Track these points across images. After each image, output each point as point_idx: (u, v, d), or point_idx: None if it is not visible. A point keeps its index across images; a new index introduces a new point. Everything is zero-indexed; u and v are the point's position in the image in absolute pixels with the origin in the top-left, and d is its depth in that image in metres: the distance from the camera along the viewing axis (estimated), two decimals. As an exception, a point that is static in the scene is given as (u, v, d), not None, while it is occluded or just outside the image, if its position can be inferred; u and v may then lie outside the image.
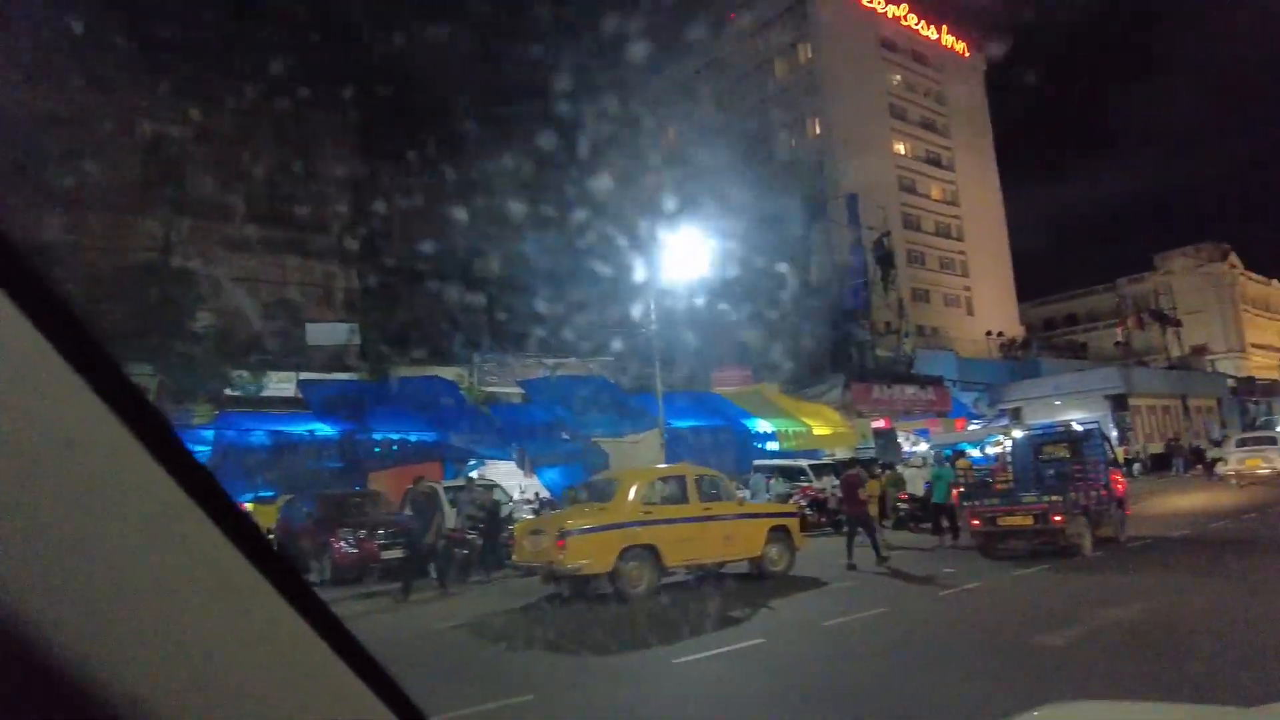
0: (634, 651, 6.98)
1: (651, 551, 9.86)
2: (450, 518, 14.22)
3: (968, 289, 57.78)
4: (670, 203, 37.99)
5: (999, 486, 13.77)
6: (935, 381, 34.46)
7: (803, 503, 18.29)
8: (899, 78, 57.61)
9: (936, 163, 58.41)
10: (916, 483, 21.01)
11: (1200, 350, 67.79)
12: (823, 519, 17.99)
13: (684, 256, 25.54)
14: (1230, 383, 48.64)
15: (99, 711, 0.65)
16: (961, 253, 58.07)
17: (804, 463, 22.86)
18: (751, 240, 39.64)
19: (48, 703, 0.64)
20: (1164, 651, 6.02)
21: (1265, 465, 24.30)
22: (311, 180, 29.84)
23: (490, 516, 13.42)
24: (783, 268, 37.85)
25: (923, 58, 59.20)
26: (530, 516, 15.32)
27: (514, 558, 10.92)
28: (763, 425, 28.42)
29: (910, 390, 33.20)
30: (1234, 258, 70.61)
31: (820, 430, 29.77)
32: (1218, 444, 28.81)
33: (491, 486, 18.36)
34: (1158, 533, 14.10)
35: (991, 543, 12.57)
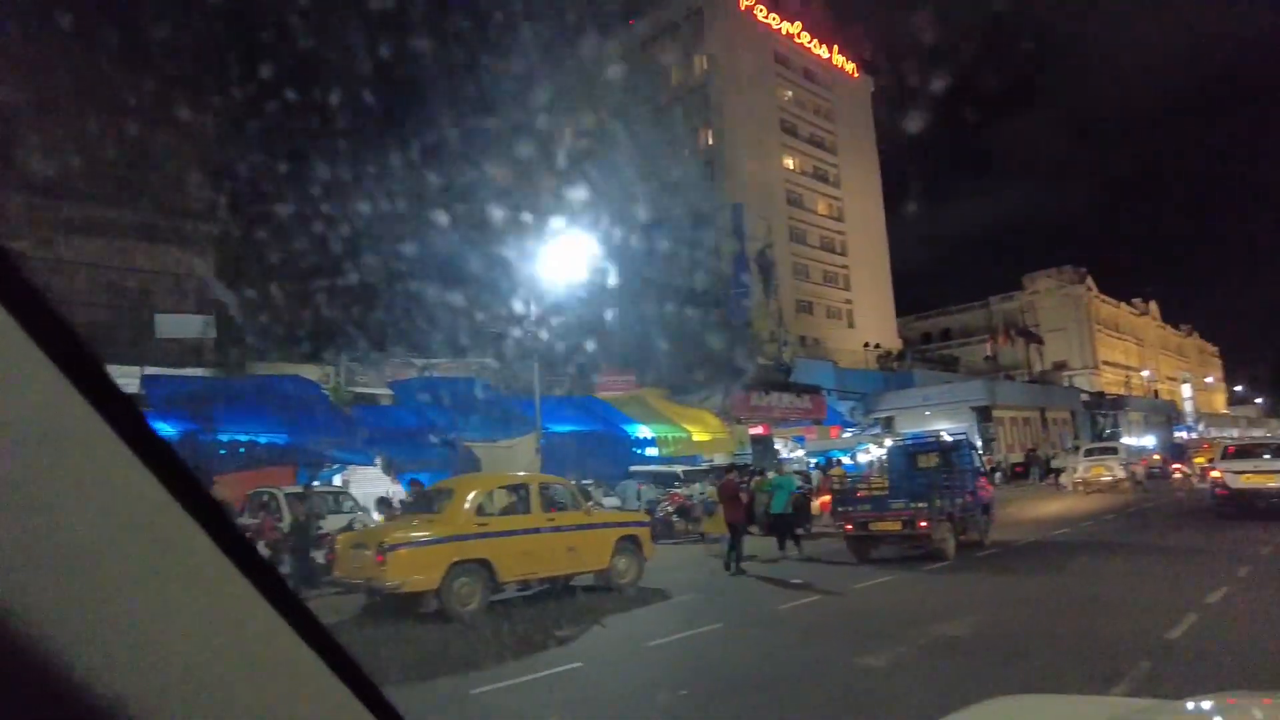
0: (432, 681, 6.28)
1: (484, 566, 9.15)
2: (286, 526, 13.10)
3: (849, 302, 59.49)
4: (557, 205, 37.41)
5: (868, 493, 14.04)
6: (813, 390, 35.07)
7: (670, 509, 17.95)
8: (790, 94, 58.86)
9: (824, 179, 59.97)
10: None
11: (1060, 366, 72.33)
12: (689, 526, 17.68)
13: (568, 259, 24.98)
14: (1084, 397, 51.88)
15: (79, 711, 0.65)
16: (845, 267, 59.76)
17: (678, 469, 22.62)
18: (639, 246, 39.49)
19: (29, 702, 0.64)
20: (984, 669, 5.83)
21: (1107, 473, 25.77)
22: (166, 159, 27.61)
23: (298, 529, 12.21)
24: (669, 274, 37.83)
25: (814, 75, 60.73)
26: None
27: (335, 573, 9.98)
28: (643, 431, 28.09)
29: (788, 398, 33.64)
30: (1090, 281, 75.70)
31: (700, 436, 29.73)
32: (1071, 454, 30.44)
33: (339, 494, 17.20)
34: (1018, 537, 14.77)
35: (864, 546, 12.89)
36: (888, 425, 37.53)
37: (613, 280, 35.84)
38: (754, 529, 16.34)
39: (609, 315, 34.27)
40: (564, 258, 24.60)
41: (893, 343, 60.80)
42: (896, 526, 12.36)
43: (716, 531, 14.13)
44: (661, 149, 52.55)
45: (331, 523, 13.97)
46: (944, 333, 77.96)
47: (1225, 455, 18.87)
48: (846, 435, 36.36)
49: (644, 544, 10.91)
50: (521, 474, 12.79)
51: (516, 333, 26.05)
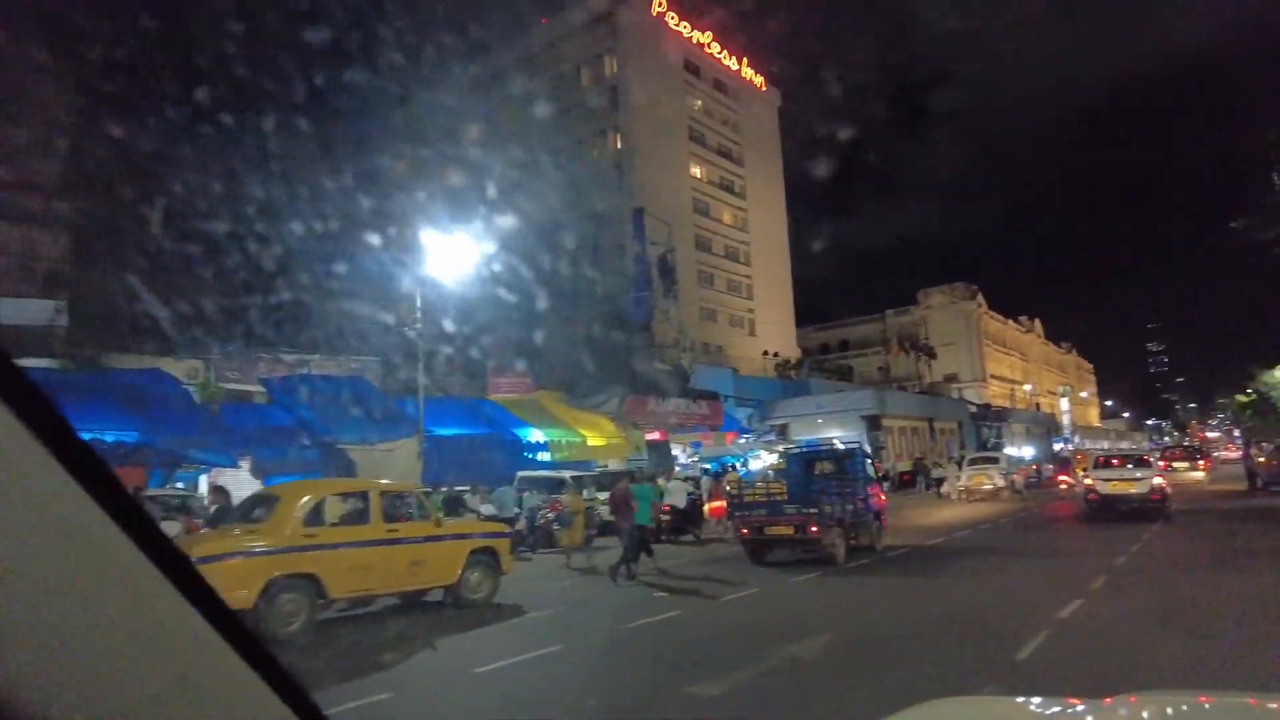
0: None
1: (311, 581, 8.25)
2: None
3: (751, 311, 60.12)
4: (453, 200, 36.20)
5: (764, 498, 14.02)
6: (710, 396, 34.98)
7: (550, 517, 17.24)
8: (700, 103, 59.14)
9: (730, 189, 60.48)
10: (679, 494, 20.79)
11: (951, 378, 75.19)
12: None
13: (462, 256, 23.98)
14: (971, 409, 53.92)
15: None
16: (748, 276, 60.38)
17: (567, 474, 21.91)
18: (541, 247, 38.65)
19: None
20: (818, 699, 5.40)
21: (988, 482, 26.55)
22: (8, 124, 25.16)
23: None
24: (570, 277, 37.14)
25: (723, 86, 61.22)
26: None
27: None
28: (536, 435, 27.24)
29: (686, 404, 33.43)
30: (981, 298, 79.04)
31: (595, 441, 29.08)
32: (957, 463, 31.26)
33: (186, 498, 15.80)
34: (906, 543, 15.35)
35: (760, 550, 13.35)
36: (782, 433, 37.85)
37: (511, 280, 34.94)
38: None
39: (505, 316, 33.33)
40: (457, 255, 23.62)
41: (792, 352, 61.80)
42: (789, 531, 12.74)
43: (572, 543, 13.58)
44: (569, 150, 51.86)
45: (167, 529, 12.71)
46: (842, 344, 79.91)
47: (1096, 465, 20.79)
48: (743, 441, 36.46)
49: (502, 557, 10.18)
50: (362, 480, 11.83)
51: (403, 331, 24.88)
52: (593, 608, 9.61)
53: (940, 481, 30.92)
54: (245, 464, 20.72)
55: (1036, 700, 2.32)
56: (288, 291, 28.35)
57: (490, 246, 32.41)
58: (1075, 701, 1.93)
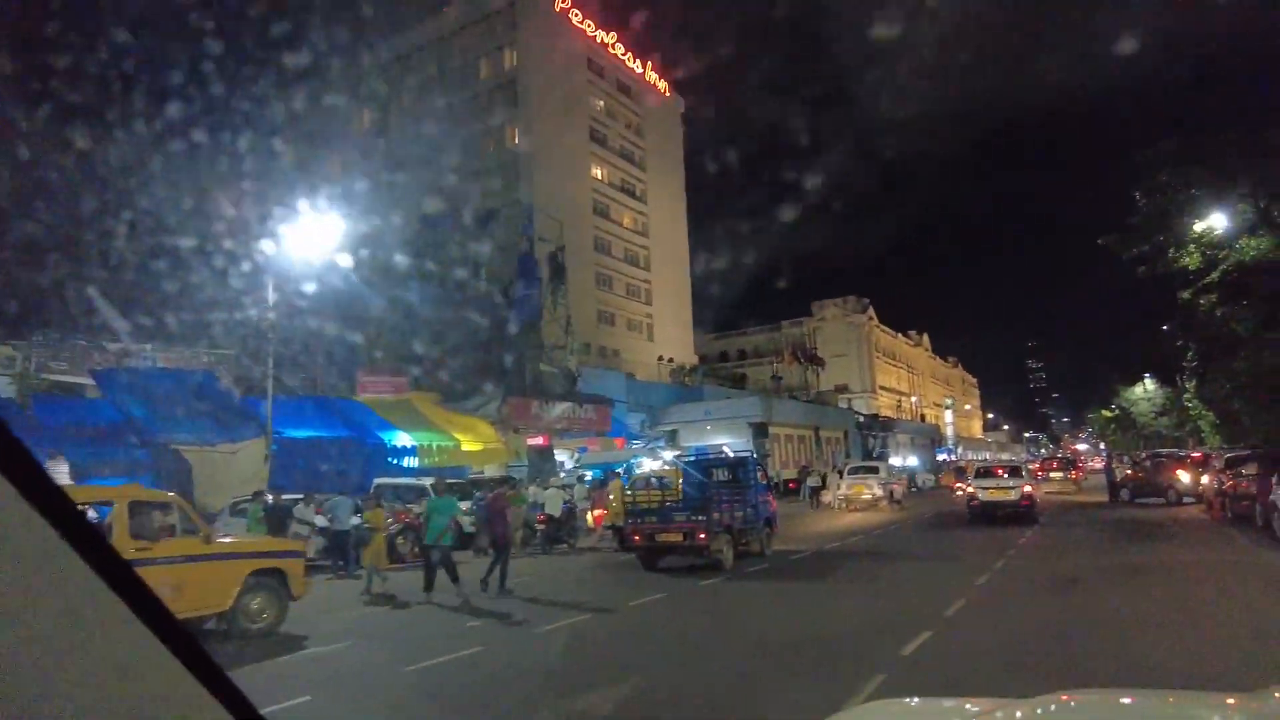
0: None
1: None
2: None
3: (650, 316, 59.49)
4: (332, 187, 33.97)
5: (657, 505, 14.02)
6: (600, 401, 33.89)
7: (395, 528, 15.67)
8: (602, 103, 58.19)
9: (631, 193, 59.75)
10: (556, 502, 19.64)
11: (842, 389, 76.70)
12: (417, 549, 15.45)
13: (333, 247, 22.10)
14: (859, 418, 54.80)
15: None
16: (647, 281, 59.74)
17: (425, 481, 20.32)
18: (426, 242, 36.75)
19: None
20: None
21: (867, 492, 26.34)
22: None
23: None
24: (455, 273, 35.41)
25: (627, 89, 60.50)
26: None
27: None
28: (403, 439, 25.38)
29: (572, 408, 32.20)
30: (872, 311, 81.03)
31: (470, 446, 27.43)
32: (839, 472, 31.14)
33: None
34: (796, 549, 15.46)
35: (651, 557, 13.52)
36: (672, 438, 37.12)
37: (388, 275, 32.94)
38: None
39: (381, 313, 31.35)
40: (327, 245, 21.73)
41: (690, 359, 61.53)
42: (678, 538, 12.89)
43: (378, 564, 12.20)
44: (464, 143, 49.97)
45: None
46: (740, 353, 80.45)
47: (978, 474, 22.97)
48: (636, 446, 35.55)
49: (291, 579, 8.70)
50: (115, 487, 10.11)
51: (256, 324, 22.73)
52: (384, 642, 8.23)
53: (817, 490, 30.75)
54: (59, 466, 18.16)
55: (950, 702, 2.25)
56: (133, 276, 25.70)
57: (366, 237, 30.45)
58: (1003, 702, 1.93)
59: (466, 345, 32.12)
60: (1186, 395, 40.44)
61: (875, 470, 29.40)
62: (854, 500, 26.54)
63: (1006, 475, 21.20)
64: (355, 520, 14.37)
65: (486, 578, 11.18)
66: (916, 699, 2.40)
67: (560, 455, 32.41)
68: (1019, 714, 1.81)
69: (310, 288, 23.35)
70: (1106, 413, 79.66)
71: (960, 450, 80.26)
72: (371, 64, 49.86)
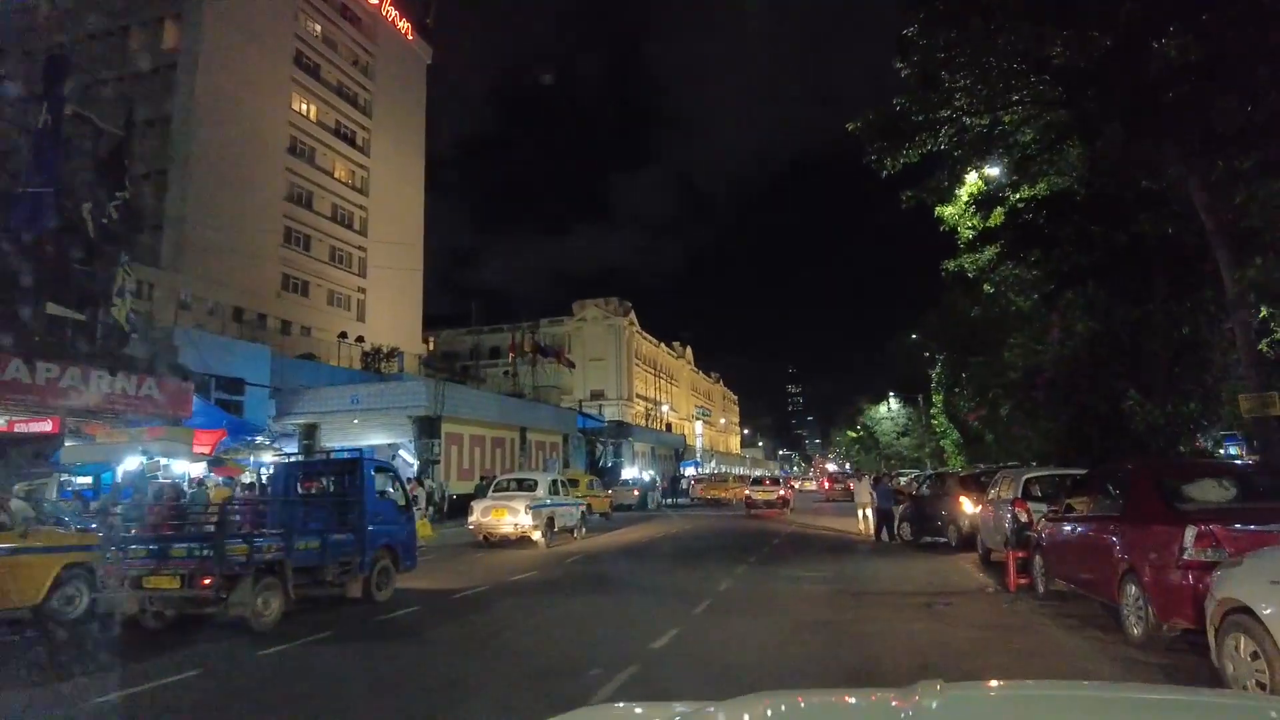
0: None
1: None
2: None
3: (363, 291, 47.68)
4: None
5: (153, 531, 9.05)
6: (178, 375, 22.14)
7: None
8: (319, 27, 45.97)
9: (349, 140, 47.81)
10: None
11: (598, 395, 68.82)
12: None
13: None
14: (601, 422, 46.30)
15: None
16: (362, 248, 47.92)
17: None
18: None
19: None
20: None
21: (510, 519, 16.86)
22: None
23: None
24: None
25: (355, 18, 48.74)
26: None
27: None
28: None
29: (114, 380, 20.18)
30: (634, 315, 73.98)
31: None
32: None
33: None
34: (437, 587, 10.78)
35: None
36: (310, 435, 26.08)
37: None
38: None
39: None
40: None
41: (418, 349, 50.29)
42: (174, 584, 7.93)
43: None
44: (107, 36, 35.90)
45: None
46: (493, 350, 70.31)
47: (752, 483, 33.89)
48: (258, 442, 24.19)
49: None
50: None
51: None
52: None
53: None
54: None
55: (665, 705, 2.04)
56: None
57: None
58: (707, 704, 1.87)
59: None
60: (934, 410, 35.55)
61: (534, 487, 19.13)
62: (490, 529, 17.09)
63: (770, 484, 31.81)
64: None
65: None
66: (621, 704, 2.40)
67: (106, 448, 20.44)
68: (722, 716, 1.79)
69: None
70: (851, 433, 77.90)
71: (714, 464, 75.09)
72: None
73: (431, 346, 62.48)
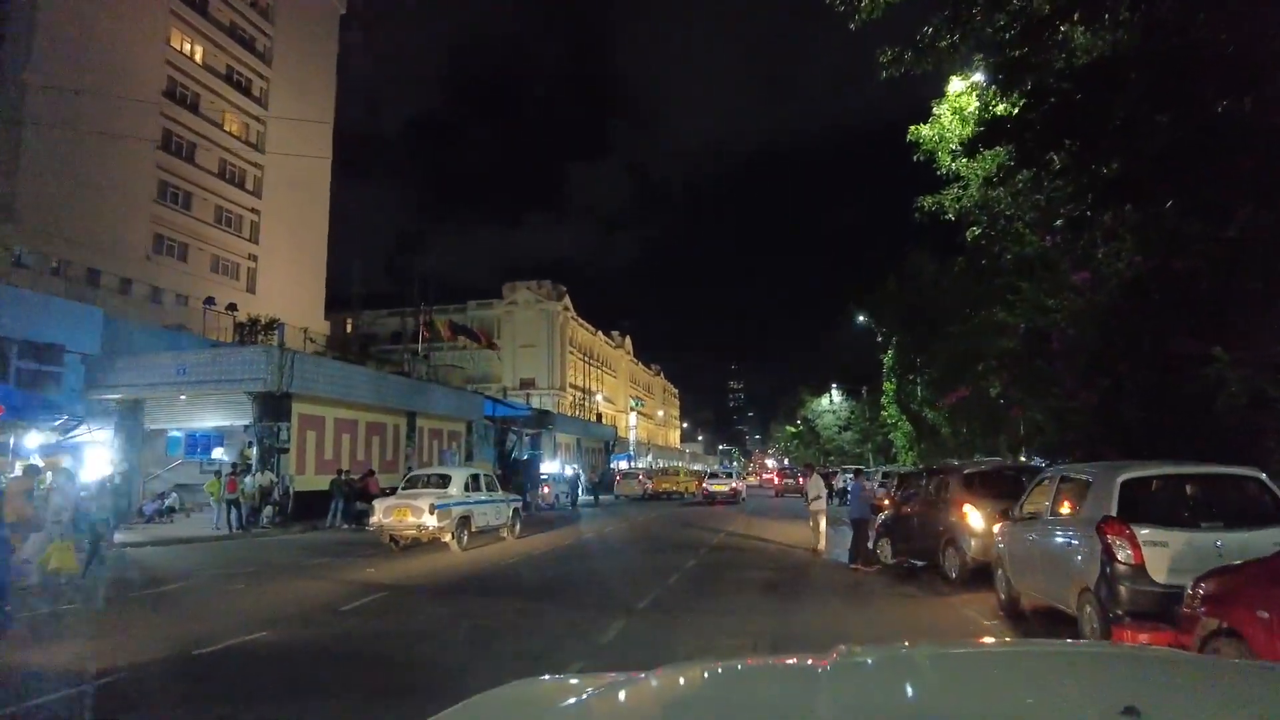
0: None
1: None
2: None
3: (254, 259, 41.63)
4: None
5: None
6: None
7: None
8: (208, -41, 39.72)
9: (242, 88, 41.65)
10: None
11: (528, 383, 63.65)
12: None
13: None
14: (520, 408, 41.13)
15: None
16: (255, 211, 41.85)
17: None
18: None
19: None
20: None
21: (413, 519, 12.87)
22: None
23: None
24: None
25: (253, -47, 42.57)
26: None
27: None
28: None
29: None
30: (569, 301, 68.99)
31: None
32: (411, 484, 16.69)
33: None
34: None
35: None
36: (133, 413, 20.47)
37: None
38: None
39: None
40: None
41: (319, 328, 44.30)
42: None
43: None
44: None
45: None
46: (415, 333, 64.37)
47: (709, 476, 37.70)
48: (63, 422, 18.47)
49: None
50: None
51: None
52: None
53: (361, 514, 16.56)
54: None
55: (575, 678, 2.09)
56: None
57: None
58: (630, 675, 1.80)
59: None
60: (885, 399, 31.51)
61: (445, 482, 15.14)
62: (399, 530, 13.00)
63: (725, 477, 36.48)
64: None
65: None
66: (548, 676, 2.26)
67: None
68: (654, 683, 1.73)
69: None
70: (791, 428, 74.26)
71: (650, 457, 70.58)
72: None
73: (349, 328, 56.56)
